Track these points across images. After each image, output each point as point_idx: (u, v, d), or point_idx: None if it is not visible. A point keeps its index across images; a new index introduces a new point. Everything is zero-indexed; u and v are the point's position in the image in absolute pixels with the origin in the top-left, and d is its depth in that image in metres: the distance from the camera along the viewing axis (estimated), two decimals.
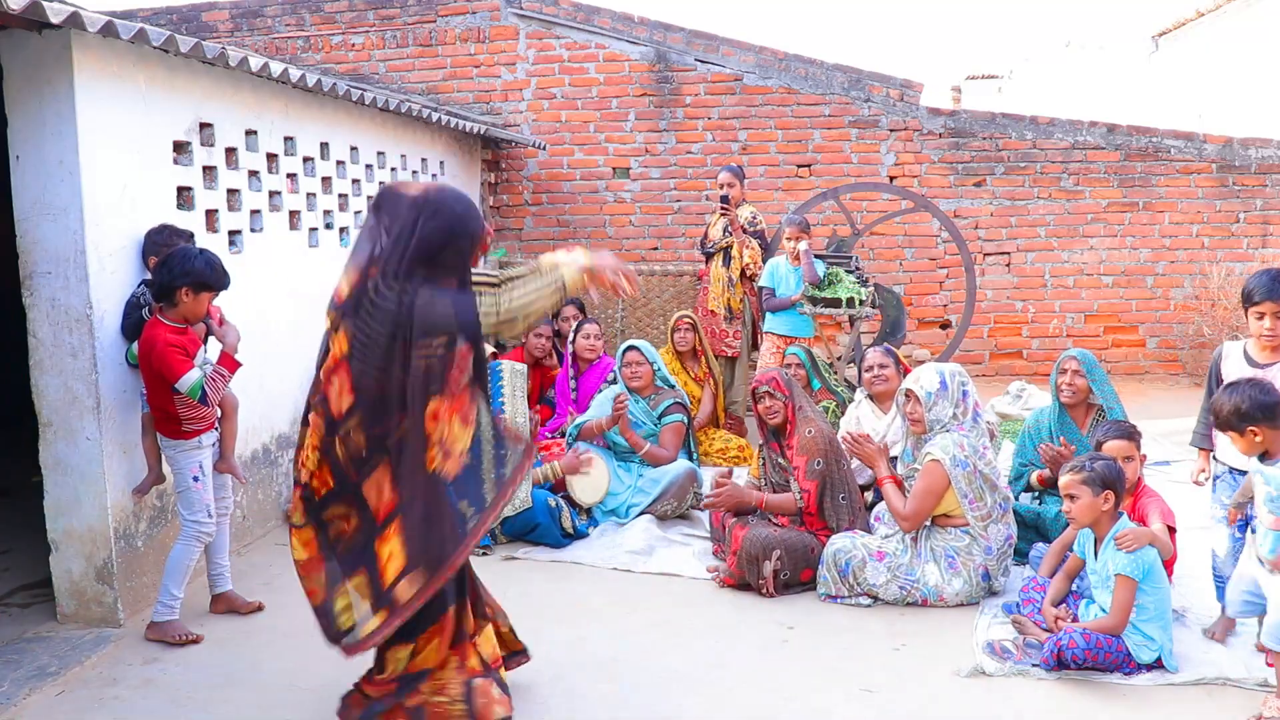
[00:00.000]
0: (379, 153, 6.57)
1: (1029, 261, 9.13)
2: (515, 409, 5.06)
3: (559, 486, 5.26)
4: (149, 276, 3.97)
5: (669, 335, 6.66)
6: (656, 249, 9.35)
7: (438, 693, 2.98)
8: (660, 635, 3.94)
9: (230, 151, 4.77)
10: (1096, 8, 27.19)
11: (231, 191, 4.80)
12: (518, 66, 9.34)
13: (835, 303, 6.51)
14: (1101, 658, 3.44)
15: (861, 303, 6.50)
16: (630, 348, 5.65)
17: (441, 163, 7.92)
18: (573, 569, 4.71)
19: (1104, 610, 3.52)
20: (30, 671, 3.56)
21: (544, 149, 9.33)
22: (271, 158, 5.15)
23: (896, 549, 4.19)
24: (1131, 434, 4.04)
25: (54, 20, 3.32)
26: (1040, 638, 3.60)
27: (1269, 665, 3.33)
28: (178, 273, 3.67)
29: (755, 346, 7.21)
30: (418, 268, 2.83)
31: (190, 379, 3.69)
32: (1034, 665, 3.53)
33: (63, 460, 3.88)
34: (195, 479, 3.87)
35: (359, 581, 2.84)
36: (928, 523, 4.19)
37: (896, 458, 4.50)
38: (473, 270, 3.01)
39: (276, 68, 4.84)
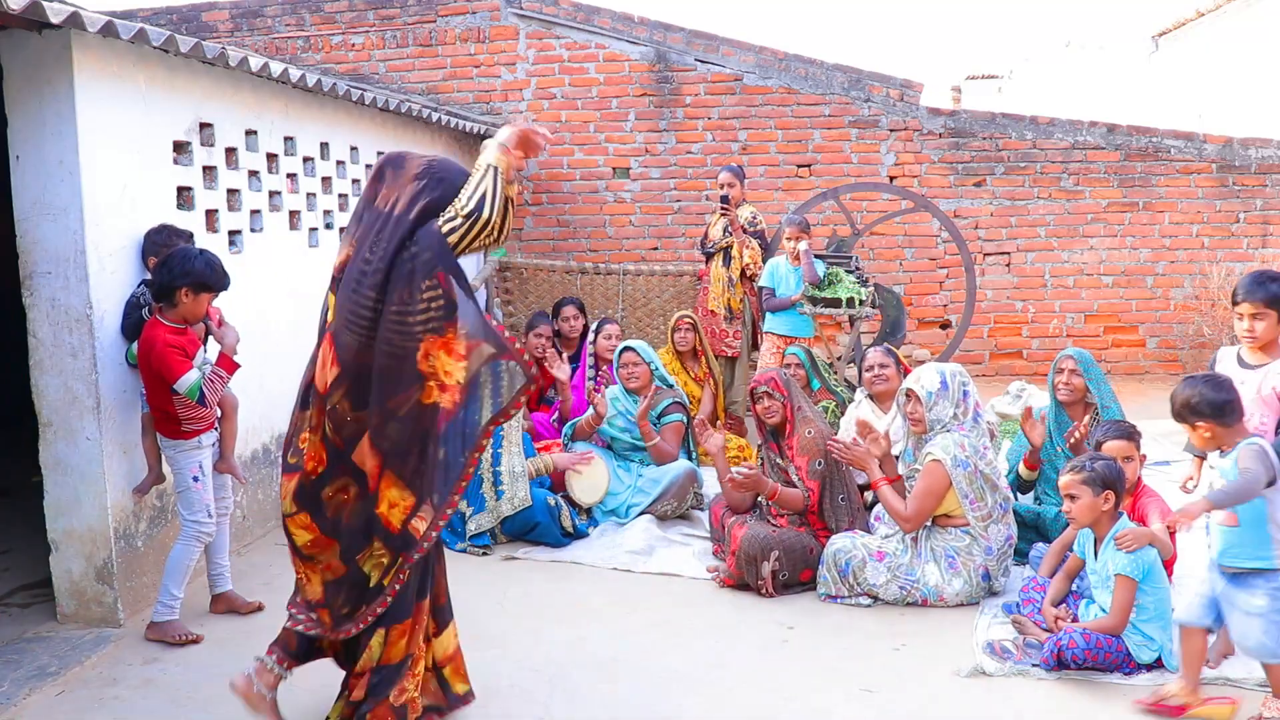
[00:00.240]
0: (379, 153, 6.56)
1: (1029, 261, 9.13)
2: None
3: (558, 486, 5.26)
4: (149, 276, 3.97)
5: (669, 335, 6.66)
6: (656, 249, 9.35)
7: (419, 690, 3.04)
8: (660, 635, 3.95)
9: (230, 151, 4.78)
10: (1096, 8, 27.19)
11: (231, 191, 4.80)
12: (518, 66, 9.34)
13: (835, 303, 6.51)
14: (1101, 658, 3.44)
15: (861, 303, 6.49)
16: (626, 349, 5.66)
17: None
18: (573, 569, 4.71)
19: (1104, 610, 3.52)
20: (30, 671, 3.56)
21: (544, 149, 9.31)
22: (271, 158, 5.15)
23: (896, 549, 4.19)
24: (1131, 434, 4.04)
25: (54, 20, 3.32)
26: (1040, 638, 3.60)
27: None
28: (177, 273, 3.67)
29: (755, 346, 7.21)
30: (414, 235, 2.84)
31: (189, 380, 3.69)
32: (1034, 665, 3.53)
33: (63, 460, 3.88)
34: (195, 479, 3.87)
35: (378, 545, 2.88)
36: (928, 523, 4.19)
37: (897, 458, 4.50)
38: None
39: (276, 68, 4.84)
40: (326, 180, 5.77)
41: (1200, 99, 12.35)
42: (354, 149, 6.14)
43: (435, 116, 7.07)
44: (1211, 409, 3.18)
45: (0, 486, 5.81)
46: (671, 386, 5.76)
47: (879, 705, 3.36)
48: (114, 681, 3.55)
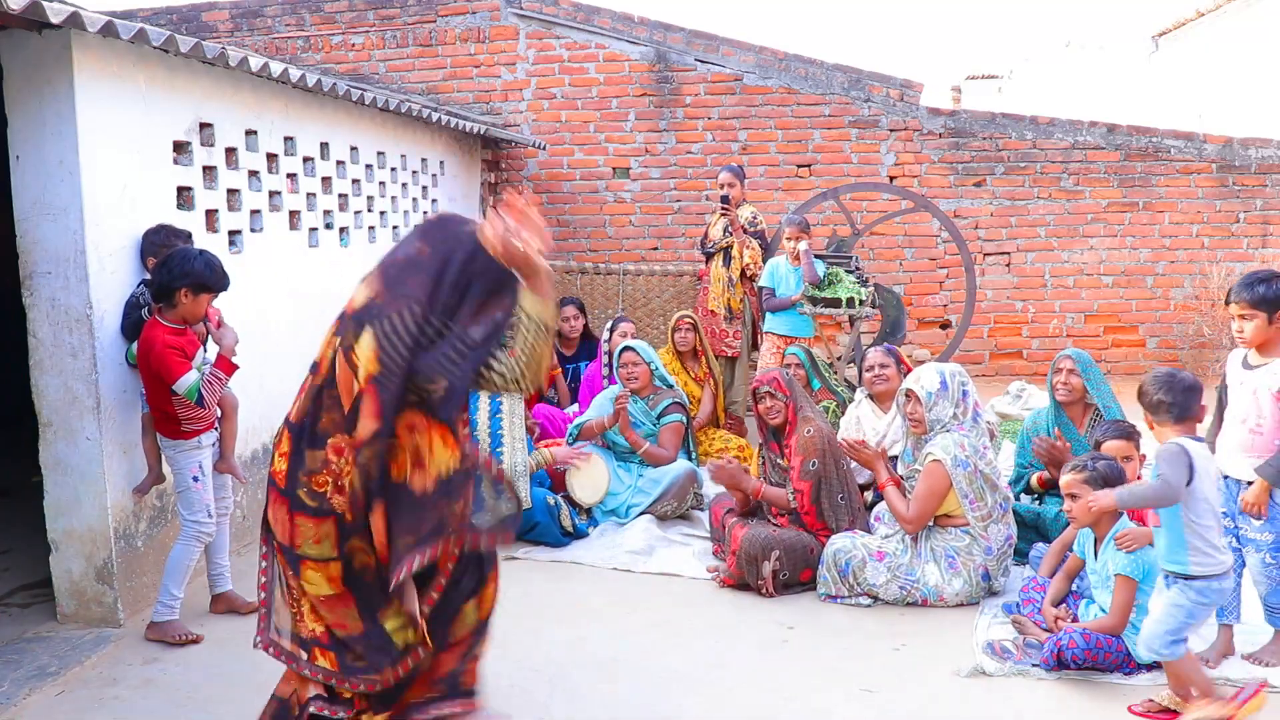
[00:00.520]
0: (379, 153, 6.57)
1: (1029, 261, 9.13)
2: (512, 410, 5.06)
3: (558, 486, 5.26)
4: (149, 276, 3.97)
5: (669, 335, 6.66)
6: (656, 249, 9.35)
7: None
8: (660, 635, 3.95)
9: (230, 151, 4.77)
10: (1096, 8, 27.21)
11: (231, 191, 4.80)
12: (518, 66, 9.34)
13: (835, 303, 6.51)
14: (1101, 658, 3.44)
15: (861, 303, 6.50)
16: (626, 349, 5.66)
17: (441, 163, 7.92)
18: (573, 569, 4.71)
19: (1104, 610, 3.52)
20: (30, 671, 3.56)
21: (544, 149, 9.33)
22: (271, 158, 5.15)
23: (896, 549, 4.19)
24: (1130, 434, 4.04)
25: (54, 20, 3.32)
26: (1040, 638, 3.60)
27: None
28: (177, 274, 3.67)
29: (755, 346, 7.22)
30: (458, 308, 2.62)
31: (187, 381, 3.69)
32: (1034, 665, 3.53)
33: (63, 460, 3.88)
34: (195, 479, 3.87)
35: (395, 607, 2.71)
36: (929, 523, 4.19)
37: (896, 458, 4.50)
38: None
39: (276, 68, 4.84)
40: (326, 180, 5.77)
41: (1200, 99, 12.35)
42: (354, 149, 6.14)
43: (435, 116, 7.07)
44: (1146, 403, 3.27)
45: (0, 486, 5.81)
46: (671, 386, 5.75)
47: (879, 705, 3.36)
48: (114, 681, 3.55)
